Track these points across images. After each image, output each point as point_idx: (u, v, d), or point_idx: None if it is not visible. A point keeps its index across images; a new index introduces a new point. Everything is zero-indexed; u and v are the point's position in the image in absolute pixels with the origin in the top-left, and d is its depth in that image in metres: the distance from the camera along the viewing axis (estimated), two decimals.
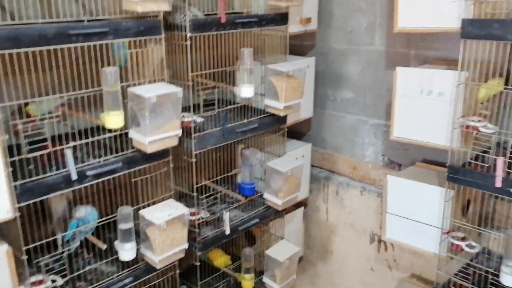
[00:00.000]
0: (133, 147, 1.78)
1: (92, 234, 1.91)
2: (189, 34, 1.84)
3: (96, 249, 1.91)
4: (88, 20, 1.56)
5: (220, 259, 2.48)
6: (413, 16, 1.93)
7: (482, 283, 1.85)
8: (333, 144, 2.82)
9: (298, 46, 2.78)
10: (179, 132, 1.79)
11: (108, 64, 1.71)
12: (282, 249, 2.48)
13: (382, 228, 2.26)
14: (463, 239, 1.91)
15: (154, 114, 1.67)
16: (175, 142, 1.81)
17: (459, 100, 1.76)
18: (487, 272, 1.82)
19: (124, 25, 1.63)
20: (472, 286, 1.85)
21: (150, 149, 1.71)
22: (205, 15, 1.97)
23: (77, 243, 1.87)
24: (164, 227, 1.78)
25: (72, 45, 1.53)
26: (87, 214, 1.87)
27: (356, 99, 2.65)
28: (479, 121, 1.78)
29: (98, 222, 1.86)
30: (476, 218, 2.10)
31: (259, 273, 2.52)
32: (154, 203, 1.92)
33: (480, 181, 1.71)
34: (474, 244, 1.88)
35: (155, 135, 1.70)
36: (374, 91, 2.55)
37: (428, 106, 1.96)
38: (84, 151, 1.76)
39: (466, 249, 1.88)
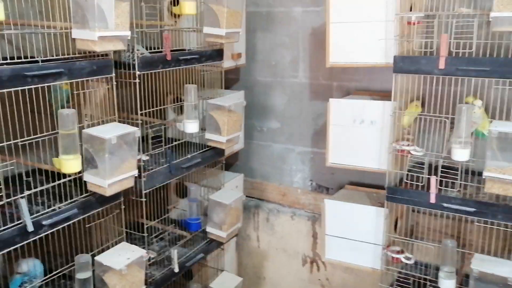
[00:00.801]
0: (87, 191, 1.70)
1: None
2: (138, 72, 1.83)
3: None
4: (42, 61, 1.48)
5: None
6: (343, 52, 2.11)
7: None
8: (262, 172, 2.92)
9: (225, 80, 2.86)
10: (135, 172, 1.75)
11: (45, 108, 1.63)
12: (225, 281, 2.50)
13: (322, 249, 2.39)
14: (399, 252, 2.11)
15: (112, 156, 1.63)
16: (131, 183, 1.76)
17: (394, 127, 1.96)
18: (425, 279, 2.02)
19: (78, 65, 1.58)
20: None
21: (109, 192, 1.65)
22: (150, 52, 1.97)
23: None
24: (126, 272, 1.71)
25: (27, 87, 1.44)
26: (31, 268, 1.73)
27: (283, 129, 2.79)
28: (408, 145, 2.00)
29: (50, 276, 1.72)
30: (403, 232, 2.32)
31: None
32: (107, 248, 1.84)
33: (416, 198, 1.92)
34: (409, 255, 2.08)
35: (114, 177, 1.65)
36: (300, 120, 2.71)
37: (361, 134, 2.15)
38: (36, 198, 1.64)
39: (404, 260, 2.07)
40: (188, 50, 2.19)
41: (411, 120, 2.12)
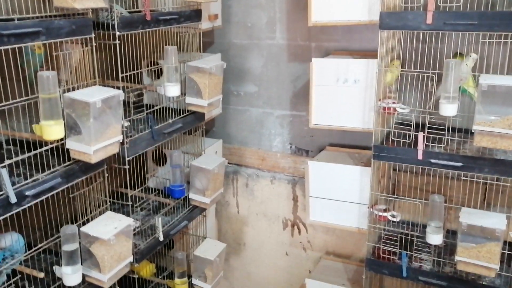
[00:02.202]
0: (70, 159, 1.61)
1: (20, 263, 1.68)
2: (118, 33, 1.72)
3: (32, 279, 1.69)
4: (18, 19, 1.36)
5: (146, 269, 2.37)
6: (326, 10, 2.07)
7: (408, 247, 2.08)
8: (240, 138, 2.87)
9: None
10: (120, 137, 1.67)
11: (18, 72, 1.51)
12: (209, 248, 2.47)
13: (306, 212, 2.39)
14: (385, 210, 2.13)
15: (97, 121, 1.54)
16: (116, 149, 1.68)
17: (379, 85, 1.95)
18: (412, 235, 2.05)
19: (56, 24, 1.47)
20: (400, 250, 2.07)
21: (95, 159, 1.57)
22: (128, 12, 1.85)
23: (3, 278, 1.63)
24: (114, 241, 1.65)
25: (3, 48, 1.32)
26: (13, 243, 1.64)
27: (260, 93, 2.74)
28: (393, 103, 2.00)
29: (34, 250, 1.64)
30: (385, 191, 2.35)
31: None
32: (91, 218, 1.76)
33: (403, 155, 1.93)
34: (395, 213, 2.11)
35: (99, 143, 1.57)
36: (278, 83, 2.67)
37: (345, 93, 2.13)
38: (16, 169, 1.53)
39: (390, 218, 2.09)
40: (165, 10, 2.08)
41: (394, 78, 2.11)
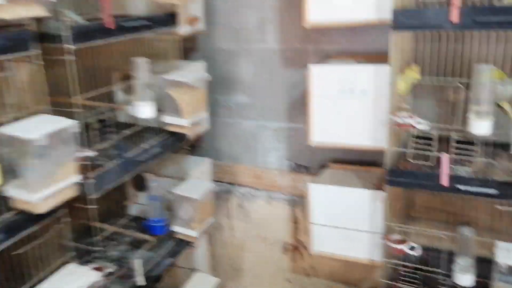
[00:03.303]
0: (11, 209, 1.28)
1: None
2: (72, 47, 1.39)
3: None
4: None
5: None
6: (326, 8, 1.75)
7: (430, 285, 1.77)
8: (232, 154, 2.55)
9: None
10: (76, 178, 1.34)
11: None
12: (198, 284, 2.15)
13: (309, 241, 2.07)
14: (401, 241, 1.81)
15: (42, 160, 1.21)
16: (72, 192, 1.36)
17: (392, 96, 1.63)
18: (436, 272, 1.74)
19: None
20: None
21: (41, 208, 1.25)
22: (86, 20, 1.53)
23: None
24: None
25: None
26: None
27: (253, 103, 2.41)
28: (410, 117, 1.67)
29: None
30: (399, 213, 2.03)
31: None
32: (50, 273, 1.44)
33: (424, 181, 1.61)
34: (414, 245, 1.79)
35: (45, 189, 1.24)
36: (272, 93, 2.34)
37: (350, 106, 1.81)
38: None
39: (408, 251, 1.78)
40: (135, 16, 1.75)
41: (408, 86, 1.79)
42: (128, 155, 1.68)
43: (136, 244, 1.99)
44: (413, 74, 1.74)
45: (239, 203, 2.58)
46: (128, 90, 1.98)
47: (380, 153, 1.73)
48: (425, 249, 1.84)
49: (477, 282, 1.65)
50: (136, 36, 1.66)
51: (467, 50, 1.71)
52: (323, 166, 2.26)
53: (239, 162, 2.54)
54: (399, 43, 1.61)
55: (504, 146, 1.68)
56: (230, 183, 2.59)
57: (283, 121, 2.36)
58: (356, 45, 2.08)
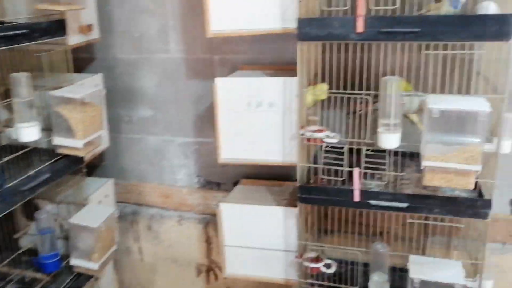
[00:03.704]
0: None
1: None
2: None
3: None
4: None
5: None
6: (228, 17, 1.63)
7: None
8: (137, 172, 2.36)
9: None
10: None
11: None
12: None
13: (222, 264, 1.95)
14: (317, 259, 1.75)
15: None
16: None
17: (301, 109, 1.55)
18: None
19: None
20: None
21: None
22: None
23: None
24: None
25: None
26: None
27: (157, 117, 2.25)
28: (320, 130, 1.61)
29: None
30: (311, 227, 1.97)
31: None
32: None
33: (336, 197, 1.55)
34: (329, 262, 1.74)
35: None
36: (177, 105, 2.20)
37: (259, 120, 1.72)
38: None
39: (324, 270, 1.71)
40: (10, 23, 1.53)
41: (316, 99, 1.73)
42: (8, 185, 1.45)
43: (28, 284, 1.75)
44: (321, 86, 1.68)
45: (147, 225, 2.40)
46: (10, 109, 1.74)
47: (293, 166, 1.66)
48: (341, 262, 1.79)
49: None
50: (13, 47, 1.44)
51: (375, 61, 1.68)
52: (235, 182, 2.15)
53: (146, 181, 2.36)
54: (306, 53, 1.54)
55: (413, 155, 1.68)
56: (137, 204, 2.41)
57: (190, 136, 2.22)
58: (264, 55, 2.00)
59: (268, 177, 2.10)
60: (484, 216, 1.44)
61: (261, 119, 1.70)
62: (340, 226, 1.98)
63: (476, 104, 1.28)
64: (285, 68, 1.88)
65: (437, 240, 1.93)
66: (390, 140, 1.41)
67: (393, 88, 1.37)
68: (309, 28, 1.42)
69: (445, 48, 1.46)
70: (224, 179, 2.23)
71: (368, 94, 1.49)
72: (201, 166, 2.26)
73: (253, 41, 1.98)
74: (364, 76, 1.54)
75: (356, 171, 1.50)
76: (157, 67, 2.16)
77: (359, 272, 1.71)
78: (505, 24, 1.27)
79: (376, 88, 1.51)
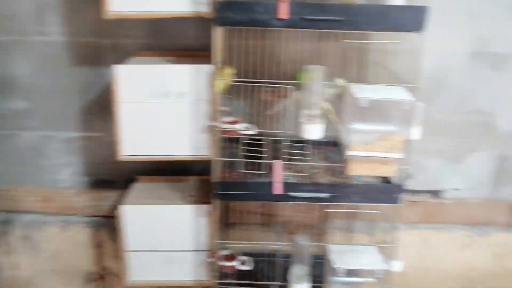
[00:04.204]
0: None
1: None
2: None
3: None
4: None
5: None
6: None
7: None
8: (9, 174, 2.03)
9: None
10: None
11: None
12: None
13: (123, 271, 1.76)
14: (231, 257, 1.67)
15: None
16: None
17: (214, 99, 1.45)
18: (272, 285, 1.64)
19: None
20: None
21: None
22: None
23: None
24: None
25: None
26: None
27: (34, 109, 1.95)
28: (235, 122, 1.52)
29: None
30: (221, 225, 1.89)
31: None
32: None
33: (256, 192, 1.48)
34: (244, 258, 1.67)
35: None
36: (59, 96, 1.93)
37: (166, 112, 1.57)
38: None
39: (240, 267, 1.64)
40: None
41: (225, 86, 1.64)
42: None
43: None
44: (227, 70, 1.59)
45: (23, 235, 2.08)
46: None
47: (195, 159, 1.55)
48: (256, 256, 1.73)
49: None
50: None
51: (293, 49, 1.64)
52: (130, 180, 1.95)
53: (21, 184, 2.04)
54: (221, 39, 1.43)
55: (335, 144, 1.67)
56: (9, 211, 2.07)
57: (76, 130, 1.97)
58: (163, 39, 1.83)
59: (167, 172, 1.96)
60: (397, 201, 1.49)
61: (169, 110, 1.56)
62: (243, 218, 1.94)
63: (397, 93, 1.30)
64: (188, 54, 1.75)
65: (340, 225, 1.98)
66: (312, 130, 1.37)
67: (314, 76, 1.33)
68: (229, 13, 1.31)
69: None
70: (117, 177, 2.02)
71: (283, 84, 1.43)
72: (89, 164, 2.01)
73: (149, 24, 1.81)
74: (285, 65, 1.49)
75: (277, 164, 1.44)
76: (33, 51, 1.87)
77: (277, 265, 1.66)
78: (421, 15, 1.30)
79: (286, 77, 1.47)
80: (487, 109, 1.90)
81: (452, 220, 2.07)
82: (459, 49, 1.82)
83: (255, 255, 1.74)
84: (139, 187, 1.87)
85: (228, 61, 1.59)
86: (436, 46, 1.76)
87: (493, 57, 1.83)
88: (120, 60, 1.64)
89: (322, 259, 1.59)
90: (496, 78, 1.86)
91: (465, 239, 2.08)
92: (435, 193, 2.04)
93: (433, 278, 2.14)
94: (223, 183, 1.47)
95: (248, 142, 1.55)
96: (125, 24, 1.81)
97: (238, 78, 1.58)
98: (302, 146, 1.47)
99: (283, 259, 1.64)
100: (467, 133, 1.94)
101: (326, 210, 1.57)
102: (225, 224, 1.98)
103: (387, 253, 1.57)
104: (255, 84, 1.53)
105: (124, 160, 1.62)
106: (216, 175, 1.49)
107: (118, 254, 1.85)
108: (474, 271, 2.13)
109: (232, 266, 1.62)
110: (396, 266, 1.57)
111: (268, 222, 2.00)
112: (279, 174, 1.44)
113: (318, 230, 1.97)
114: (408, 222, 2.05)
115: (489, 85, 1.87)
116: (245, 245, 1.84)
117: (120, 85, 1.53)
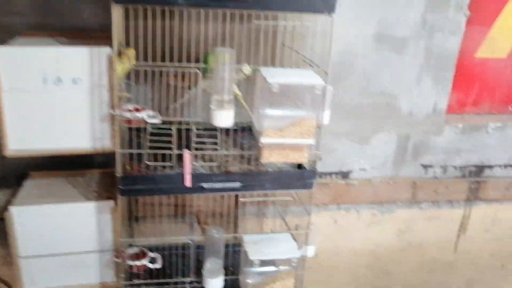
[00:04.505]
0: None
1: None
2: None
3: None
4: None
5: None
6: None
7: None
8: None
9: None
10: None
11: None
12: None
13: (18, 279, 1.57)
14: (139, 256, 1.56)
15: None
16: None
17: (114, 86, 1.32)
18: (182, 283, 1.55)
19: None
20: None
21: None
22: None
23: None
24: None
25: None
26: None
27: None
28: (138, 109, 1.40)
29: None
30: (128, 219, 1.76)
31: None
32: None
33: (165, 185, 1.38)
34: (153, 255, 1.57)
35: None
36: None
37: (59, 100, 1.40)
38: None
39: (150, 265, 1.54)
40: None
41: (125, 69, 1.50)
42: None
43: None
44: (129, 52, 1.46)
45: None
46: None
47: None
48: (167, 250, 1.64)
49: (227, 280, 1.54)
50: None
51: (201, 30, 1.53)
52: (21, 177, 1.75)
53: None
54: (119, 19, 1.30)
55: (247, 130, 1.61)
56: None
57: None
58: (51, 18, 1.64)
59: (65, 166, 1.78)
60: (310, 187, 1.47)
61: (62, 98, 1.39)
62: (153, 210, 1.83)
63: (308, 77, 1.26)
64: (84, 36, 1.58)
65: (254, 212, 1.95)
66: (223, 117, 1.30)
67: (224, 59, 1.25)
68: None
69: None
70: (5, 173, 1.80)
71: (190, 67, 1.34)
72: None
73: (41, 1, 1.60)
74: (191, 48, 1.39)
75: (186, 154, 1.35)
76: None
77: (190, 259, 1.58)
78: None
79: (194, 60, 1.38)
80: (390, 91, 1.95)
81: (360, 199, 2.12)
82: (364, 32, 1.84)
83: (167, 250, 1.65)
84: (32, 185, 1.68)
85: (130, 43, 1.46)
86: (342, 29, 1.76)
87: (395, 40, 1.88)
88: (5, 41, 1.44)
89: (237, 248, 1.54)
90: (398, 61, 1.91)
91: (372, 217, 2.15)
92: (343, 174, 2.07)
93: (344, 257, 2.19)
94: (127, 177, 1.35)
95: (154, 132, 1.44)
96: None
97: (141, 62, 1.46)
98: (213, 134, 1.39)
99: (196, 251, 1.56)
100: (372, 115, 1.98)
101: (239, 198, 1.51)
102: (134, 218, 1.85)
103: (301, 239, 1.55)
104: (161, 68, 1.42)
105: (11, 155, 1.43)
106: (119, 168, 1.36)
107: (9, 261, 1.65)
108: (380, 248, 2.22)
109: (141, 265, 1.51)
110: (310, 251, 1.56)
111: (180, 213, 1.90)
112: (189, 165, 1.35)
113: (231, 219, 1.92)
114: (319, 204, 2.07)
115: (392, 68, 1.91)
116: (156, 240, 1.74)
117: (3, 70, 1.33)
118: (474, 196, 2.21)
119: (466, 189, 2.19)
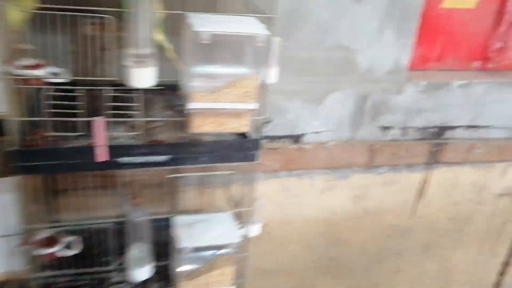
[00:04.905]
0: None
1: None
2: None
3: None
4: None
5: None
6: None
7: None
8: None
9: None
10: None
11: None
12: None
13: None
14: (51, 242, 1.31)
15: None
16: None
17: (6, 35, 1.02)
18: (106, 271, 1.32)
19: None
20: None
21: None
22: None
23: None
24: None
25: None
26: None
27: None
28: (39, 65, 1.12)
29: None
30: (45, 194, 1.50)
31: None
32: None
33: (73, 160, 1.11)
34: (70, 239, 1.32)
35: None
36: None
37: None
38: None
39: (64, 253, 1.30)
40: None
41: (24, 19, 1.20)
42: None
43: None
44: (32, 3, 1.15)
45: None
46: None
47: None
48: (87, 232, 1.40)
49: (157, 267, 1.32)
50: None
51: None
52: None
53: None
54: None
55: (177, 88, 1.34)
56: None
57: None
58: None
59: None
60: (253, 159, 1.25)
61: None
62: (77, 183, 1.57)
63: (248, 26, 1.01)
64: None
65: (192, 181, 1.72)
66: (141, 76, 1.03)
67: (144, 4, 0.97)
68: None
69: None
70: None
71: (101, 12, 1.05)
72: None
73: None
74: None
75: (98, 121, 1.08)
76: None
77: (116, 243, 1.34)
78: None
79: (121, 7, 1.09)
80: (348, 44, 1.72)
81: (313, 165, 1.93)
82: None
83: (89, 232, 1.40)
84: None
85: None
86: None
87: None
88: None
89: (169, 225, 1.31)
90: (357, 10, 1.67)
91: (325, 183, 1.97)
92: (295, 138, 1.86)
93: (296, 226, 2.02)
94: (23, 151, 1.07)
95: (58, 94, 1.16)
96: None
97: (43, 6, 1.15)
98: (133, 96, 1.12)
99: (123, 232, 1.32)
100: (327, 72, 1.75)
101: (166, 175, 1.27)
102: (52, 192, 1.58)
103: (244, 217, 1.34)
104: (67, 13, 1.13)
105: None
106: (14, 140, 1.09)
107: None
108: (335, 215, 2.06)
109: (52, 254, 1.26)
110: (254, 230, 1.36)
111: (109, 184, 1.65)
112: (102, 135, 1.08)
113: (166, 189, 1.69)
114: (268, 170, 1.86)
115: (350, 18, 1.68)
116: (77, 219, 1.49)
117: None
118: (434, 159, 2.06)
119: (427, 152, 2.03)
